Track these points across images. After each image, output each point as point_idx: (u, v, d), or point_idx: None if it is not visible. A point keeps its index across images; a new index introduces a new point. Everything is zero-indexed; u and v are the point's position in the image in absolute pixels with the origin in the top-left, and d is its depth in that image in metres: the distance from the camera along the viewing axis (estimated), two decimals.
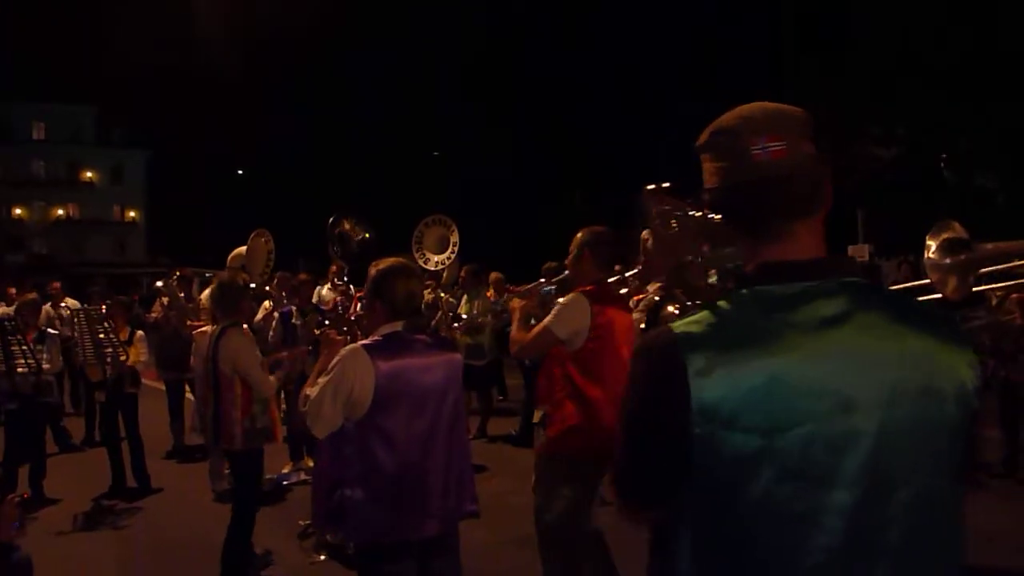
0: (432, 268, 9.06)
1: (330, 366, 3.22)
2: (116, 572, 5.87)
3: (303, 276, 9.04)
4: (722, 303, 1.43)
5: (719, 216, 1.56)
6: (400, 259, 3.47)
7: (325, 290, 10.76)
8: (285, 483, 7.70)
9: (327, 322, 4.73)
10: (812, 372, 1.32)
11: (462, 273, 10.05)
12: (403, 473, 3.15)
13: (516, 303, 4.60)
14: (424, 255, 10.14)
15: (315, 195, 42.89)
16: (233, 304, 5.32)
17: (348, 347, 3.28)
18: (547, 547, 4.10)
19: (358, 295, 9.33)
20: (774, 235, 1.46)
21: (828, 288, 1.40)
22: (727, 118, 1.52)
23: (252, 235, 8.97)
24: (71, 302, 11.63)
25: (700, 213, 1.89)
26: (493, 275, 10.56)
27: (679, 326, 1.41)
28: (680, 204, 1.99)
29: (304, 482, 7.54)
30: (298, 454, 8.14)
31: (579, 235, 4.27)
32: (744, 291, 1.44)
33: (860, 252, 15.98)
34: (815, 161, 1.46)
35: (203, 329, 7.57)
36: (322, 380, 3.20)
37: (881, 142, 23.83)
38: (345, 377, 3.13)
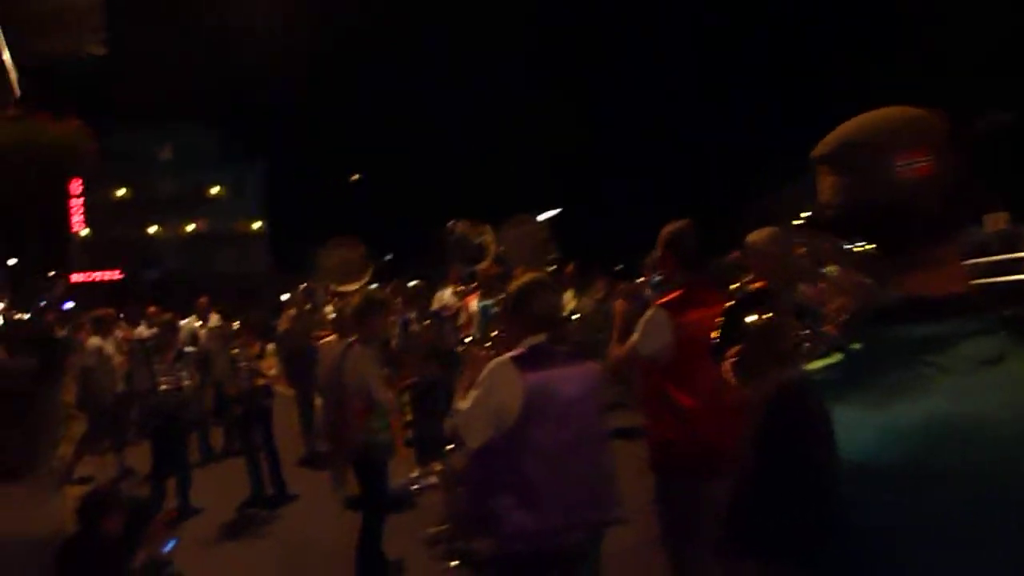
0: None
1: (479, 379, 3.31)
2: None
3: (418, 284, 9.21)
4: (857, 344, 1.27)
5: (842, 237, 1.39)
6: (538, 273, 3.54)
7: (447, 295, 10.93)
8: (414, 488, 7.85)
9: (466, 340, 4.80)
10: (973, 423, 1.18)
11: (568, 269, 9.97)
12: (551, 482, 3.20)
13: (620, 305, 4.51)
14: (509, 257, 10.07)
15: (431, 197, 43.75)
16: (370, 318, 5.48)
17: (496, 360, 3.36)
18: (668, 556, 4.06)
19: (469, 299, 9.49)
20: (915, 263, 1.29)
21: (985, 326, 1.24)
22: (862, 127, 1.34)
23: (334, 245, 8.89)
24: (214, 317, 12.29)
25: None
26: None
27: (816, 372, 1.25)
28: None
29: (433, 487, 7.68)
30: (425, 459, 8.29)
31: (661, 233, 4.13)
32: (885, 330, 1.27)
33: (997, 221, 15.05)
34: (963, 175, 1.29)
35: (328, 339, 7.84)
36: (472, 393, 3.30)
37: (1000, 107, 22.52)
38: (494, 389, 3.22)
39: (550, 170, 49.25)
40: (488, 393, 3.23)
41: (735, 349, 3.26)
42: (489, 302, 8.63)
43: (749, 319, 3.32)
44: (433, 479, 7.84)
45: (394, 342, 8.08)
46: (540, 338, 3.35)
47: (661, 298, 4.14)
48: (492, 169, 54.07)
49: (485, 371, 3.31)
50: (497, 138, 55.89)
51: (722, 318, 3.51)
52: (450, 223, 11.39)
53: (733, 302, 3.89)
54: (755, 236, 4.08)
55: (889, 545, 1.18)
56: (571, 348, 3.48)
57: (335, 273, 8.68)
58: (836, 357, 1.27)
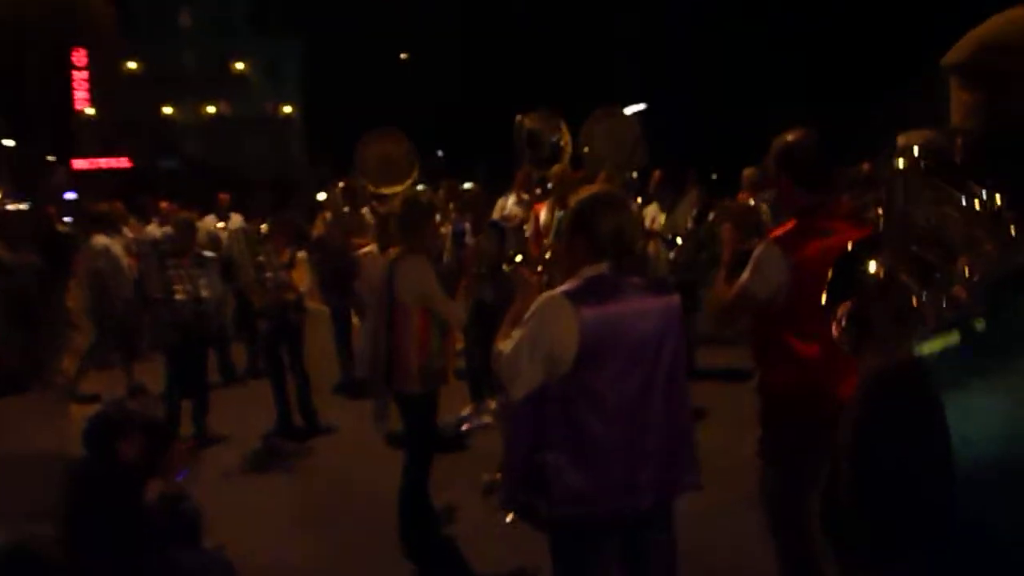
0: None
1: (526, 316, 3.28)
2: (288, 523, 6.36)
3: (474, 188, 9.13)
4: (980, 322, 1.19)
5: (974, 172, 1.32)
6: (606, 186, 3.48)
7: (510, 203, 10.88)
8: (465, 428, 8.00)
9: (518, 258, 4.78)
10: None
11: (655, 177, 9.79)
12: (614, 437, 3.21)
13: (728, 232, 4.40)
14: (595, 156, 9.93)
15: (494, 84, 43.09)
16: (417, 226, 5.50)
17: (547, 294, 3.33)
18: (774, 525, 4.07)
19: (538, 206, 9.44)
20: None
21: None
22: (1005, 27, 1.23)
23: (374, 138, 8.79)
24: (236, 217, 12.49)
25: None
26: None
27: (928, 352, 1.19)
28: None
29: (486, 426, 7.81)
30: (479, 394, 8.41)
31: (773, 145, 4.03)
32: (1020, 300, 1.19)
33: None
34: None
35: (367, 249, 7.90)
36: (517, 333, 3.27)
37: None
38: (544, 329, 3.19)
39: (634, 57, 47.93)
40: (536, 333, 3.20)
41: (845, 306, 3.16)
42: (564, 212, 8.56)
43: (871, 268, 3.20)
44: (487, 418, 8.01)
45: (446, 256, 8.10)
46: (601, 267, 3.29)
47: (775, 227, 4.07)
48: (565, 53, 52.83)
49: (533, 306, 3.28)
50: (569, 15, 54.36)
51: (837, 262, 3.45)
52: (518, 116, 11.30)
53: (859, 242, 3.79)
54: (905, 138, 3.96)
55: (1013, 554, 1.15)
56: (644, 279, 3.42)
57: (374, 171, 8.71)
58: (953, 337, 1.20)
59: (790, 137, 4.00)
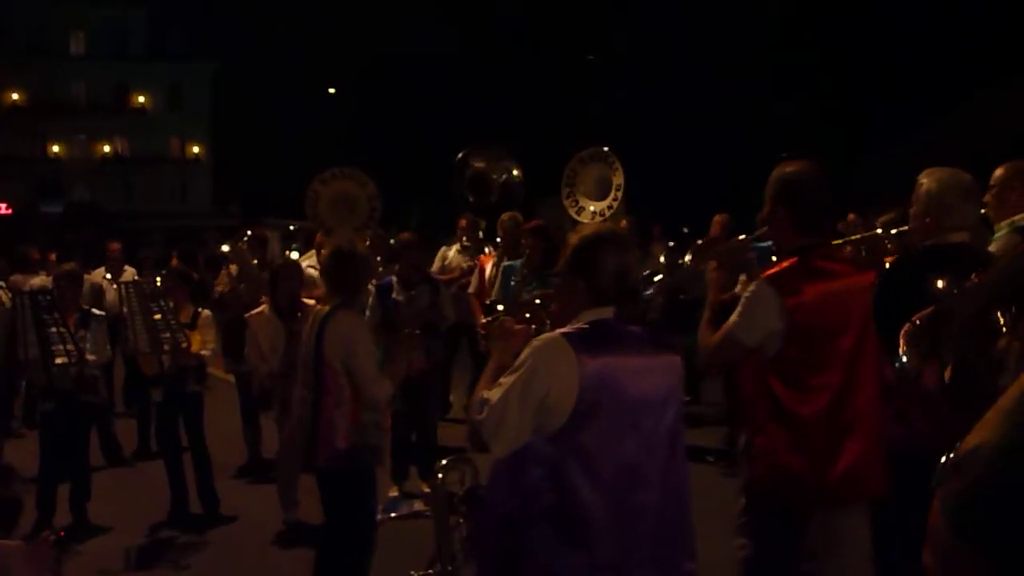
0: (587, 220, 9.04)
1: (519, 360, 3.26)
2: None
3: (405, 236, 9.14)
4: None
5: None
6: (606, 225, 3.49)
7: (452, 252, 10.90)
8: (392, 515, 7.85)
9: (499, 306, 4.77)
10: None
11: (621, 225, 9.94)
12: (607, 509, 3.16)
13: (714, 273, 4.38)
14: (577, 202, 10.12)
15: (435, 121, 43.17)
16: (352, 278, 5.58)
17: (543, 337, 3.32)
18: None
19: (486, 259, 9.47)
20: None
21: None
22: None
23: (333, 175, 9.02)
24: (129, 271, 12.27)
25: None
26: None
27: None
28: None
29: (418, 515, 7.69)
30: (403, 474, 8.30)
31: (772, 177, 4.08)
32: None
33: None
34: None
35: (258, 310, 7.86)
36: (506, 379, 3.25)
37: None
38: (539, 374, 3.17)
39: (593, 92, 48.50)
40: (529, 378, 3.18)
41: (923, 313, 3.19)
42: (513, 263, 8.61)
43: (939, 283, 3.30)
44: (418, 504, 7.87)
45: (367, 314, 8.03)
46: (606, 312, 3.30)
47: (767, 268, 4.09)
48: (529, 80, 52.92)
49: (527, 350, 3.26)
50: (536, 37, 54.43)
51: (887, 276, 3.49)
52: (461, 154, 11.34)
53: (903, 257, 3.90)
54: (933, 178, 4.18)
55: None
56: (645, 329, 3.43)
57: (326, 210, 8.84)
58: None
59: (791, 168, 4.03)
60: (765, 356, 3.91)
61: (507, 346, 3.56)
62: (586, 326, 3.26)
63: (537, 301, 4.54)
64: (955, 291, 3.17)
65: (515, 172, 10.70)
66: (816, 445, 3.82)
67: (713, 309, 4.21)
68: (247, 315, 7.73)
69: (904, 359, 3.16)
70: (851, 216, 9.71)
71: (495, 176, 10.76)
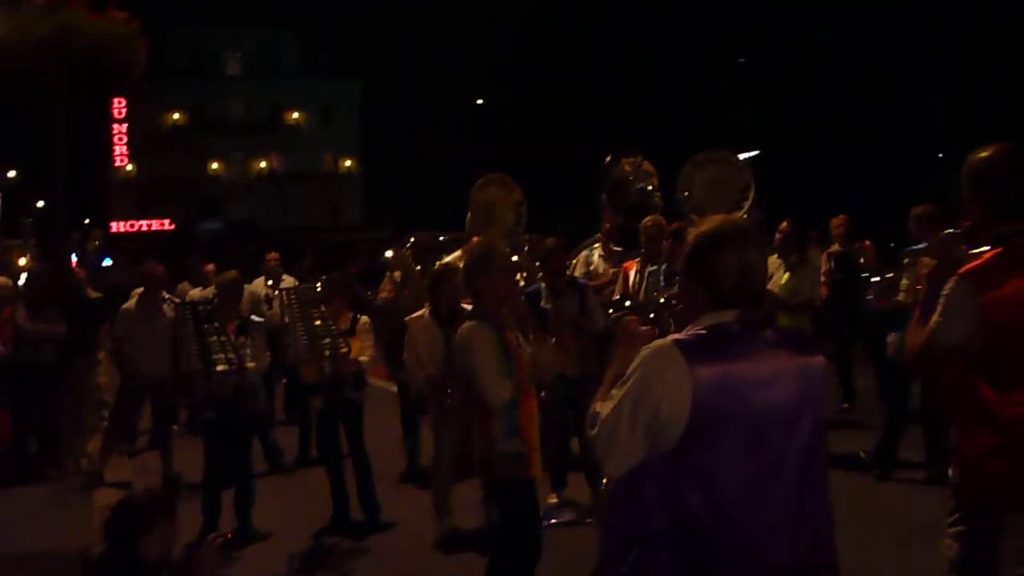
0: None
1: (629, 370, 3.07)
2: None
3: (550, 241, 9.03)
4: None
5: None
6: (729, 219, 3.28)
7: (596, 256, 10.78)
8: (550, 522, 7.76)
9: (626, 303, 4.66)
10: None
11: (782, 227, 9.70)
12: (728, 532, 2.96)
13: (925, 266, 4.19)
14: (693, 205, 9.95)
15: (580, 130, 43.31)
16: (482, 282, 5.47)
17: (654, 343, 3.09)
18: None
19: (630, 265, 9.32)
20: None
21: None
22: None
23: (483, 183, 9.05)
24: (288, 280, 12.50)
25: None
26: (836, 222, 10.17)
27: None
28: None
29: (574, 523, 7.60)
30: (561, 481, 8.20)
31: (966, 163, 3.88)
32: None
33: None
34: None
35: (418, 314, 7.83)
36: (617, 391, 3.07)
37: None
38: (648, 387, 2.97)
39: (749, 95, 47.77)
40: (638, 392, 2.98)
41: None
42: (656, 268, 8.48)
43: None
44: (570, 513, 7.78)
45: None
46: (728, 315, 3.05)
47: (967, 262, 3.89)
48: (657, 93, 52.59)
49: (637, 360, 3.05)
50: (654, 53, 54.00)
51: None
52: (609, 158, 11.31)
53: None
54: None
55: None
56: (778, 332, 3.17)
57: (480, 216, 8.87)
58: None
59: (984, 153, 3.83)
60: (967, 356, 3.72)
61: (629, 351, 3.29)
62: (703, 331, 3.03)
63: (661, 300, 4.38)
64: None
65: (652, 186, 10.79)
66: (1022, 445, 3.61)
67: (923, 306, 4.00)
68: (407, 318, 7.70)
69: None
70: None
71: (636, 183, 10.81)
